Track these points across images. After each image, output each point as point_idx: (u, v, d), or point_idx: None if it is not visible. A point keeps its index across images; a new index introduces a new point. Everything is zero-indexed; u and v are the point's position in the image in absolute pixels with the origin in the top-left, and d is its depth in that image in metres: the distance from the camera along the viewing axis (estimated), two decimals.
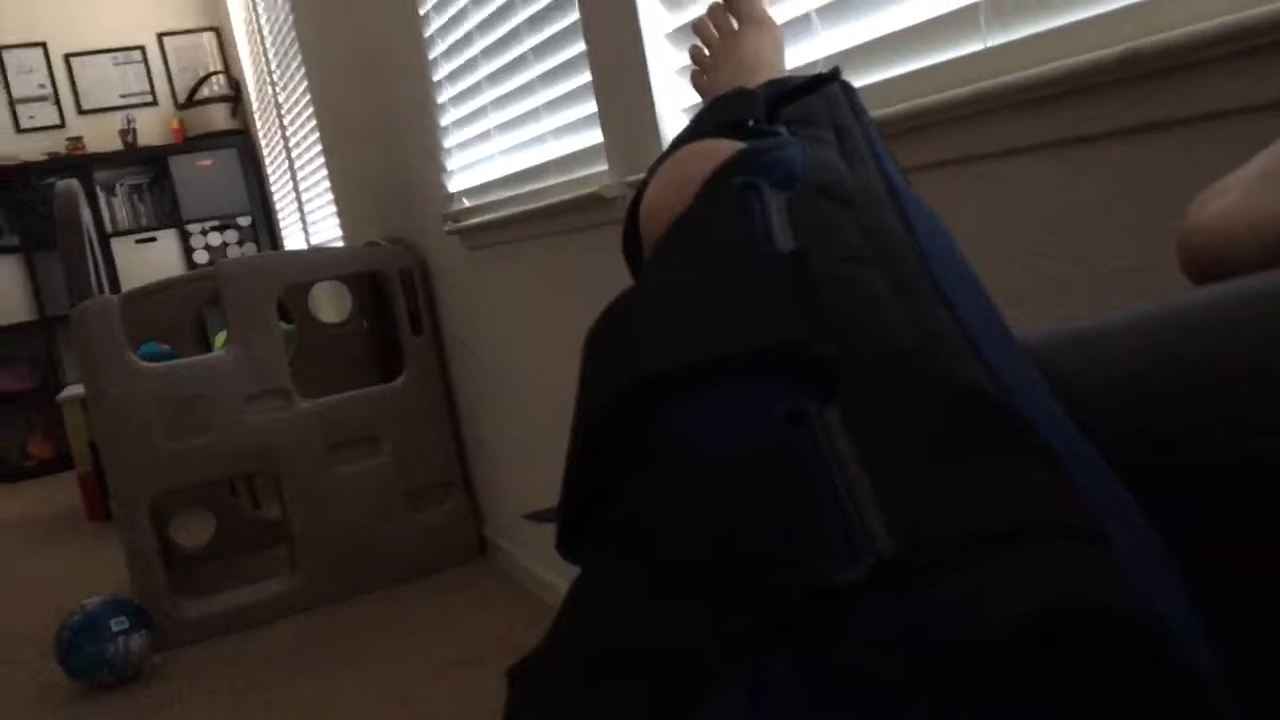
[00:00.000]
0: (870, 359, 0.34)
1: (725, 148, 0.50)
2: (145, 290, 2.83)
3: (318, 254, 3.01)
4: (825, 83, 0.61)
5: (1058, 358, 0.41)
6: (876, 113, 1.05)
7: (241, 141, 6.07)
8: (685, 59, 1.53)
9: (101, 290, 3.02)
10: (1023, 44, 0.90)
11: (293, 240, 5.66)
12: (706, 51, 0.95)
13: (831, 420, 0.31)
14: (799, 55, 1.24)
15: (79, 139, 5.95)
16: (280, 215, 5.91)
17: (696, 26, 0.96)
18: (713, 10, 0.96)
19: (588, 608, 0.33)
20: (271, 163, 5.81)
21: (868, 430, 0.30)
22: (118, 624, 2.30)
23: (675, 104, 1.54)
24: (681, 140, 0.62)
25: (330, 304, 4.09)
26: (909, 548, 0.26)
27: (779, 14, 1.21)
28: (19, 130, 5.95)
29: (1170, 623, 0.27)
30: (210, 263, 6.00)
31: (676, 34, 1.52)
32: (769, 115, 0.60)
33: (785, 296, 0.36)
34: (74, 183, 2.78)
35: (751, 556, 0.28)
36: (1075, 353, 0.41)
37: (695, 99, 1.50)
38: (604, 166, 1.72)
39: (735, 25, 0.93)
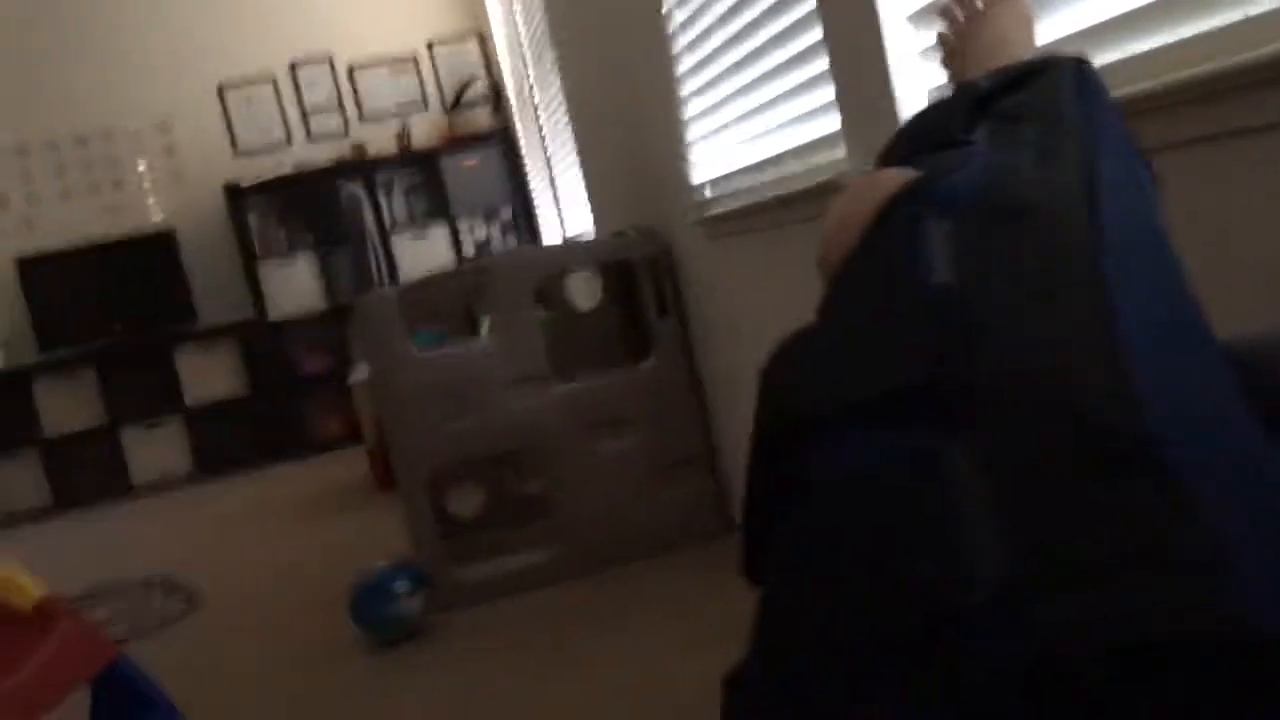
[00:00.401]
0: (1005, 384, 0.35)
1: (892, 180, 0.52)
2: (421, 283, 3.09)
3: (571, 247, 3.18)
4: (1048, 70, 0.61)
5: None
6: (1136, 88, 1.01)
7: (502, 139, 6.45)
8: (925, 41, 1.52)
9: (382, 282, 3.33)
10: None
11: (548, 229, 5.96)
12: (952, 35, 0.95)
13: (954, 456, 0.33)
14: (1055, 28, 1.20)
15: (361, 144, 6.51)
16: (538, 206, 6.24)
17: (943, 9, 0.97)
18: None
19: (775, 620, 0.36)
20: (529, 158, 6.13)
21: (992, 458, 0.32)
22: (401, 585, 2.54)
23: (917, 87, 1.54)
24: (887, 151, 0.64)
25: (583, 291, 4.29)
26: (1022, 572, 0.28)
27: None
28: (310, 139, 6.58)
29: None
30: (477, 254, 6.42)
31: (918, 15, 1.51)
32: (983, 108, 0.61)
33: (929, 332, 0.39)
34: (358, 189, 3.07)
35: (885, 583, 0.31)
36: None
37: (939, 80, 1.49)
38: (842, 153, 1.74)
39: (980, 5, 0.92)
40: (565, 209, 5.19)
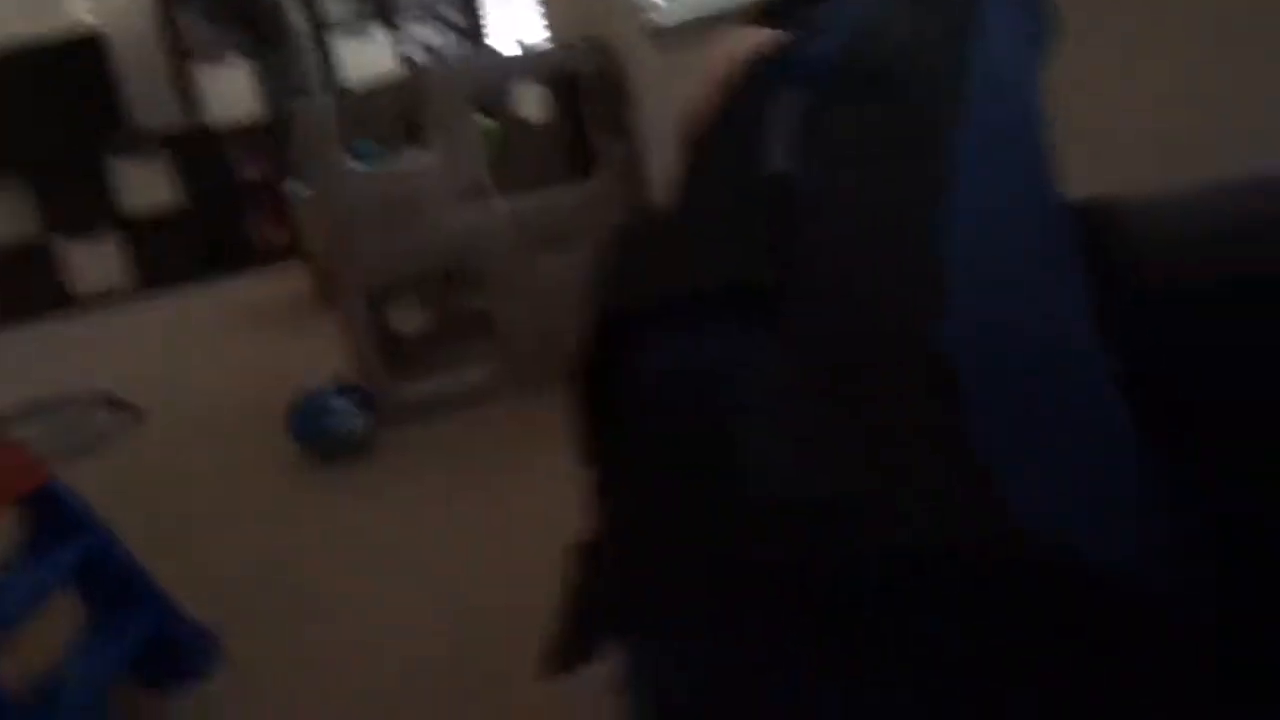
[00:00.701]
0: (816, 279, 0.35)
1: (752, 42, 0.48)
2: (358, 94, 2.95)
3: (514, 58, 3.03)
4: None
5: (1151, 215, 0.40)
6: None
7: None
8: None
9: (306, 91, 3.17)
10: None
11: (496, 34, 5.69)
12: None
13: (758, 355, 0.33)
14: None
15: None
16: (485, 9, 5.93)
17: None
18: None
19: (614, 516, 0.39)
20: None
21: (794, 357, 0.32)
22: (340, 403, 2.53)
23: None
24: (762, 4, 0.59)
25: (531, 103, 4.13)
26: (801, 478, 0.29)
27: None
28: None
29: (1088, 549, 0.28)
30: (421, 58, 6.14)
31: None
32: None
33: (757, 225, 0.38)
34: None
35: (684, 485, 0.32)
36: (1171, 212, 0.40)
37: None
38: None
39: None
40: (516, 13, 4.93)
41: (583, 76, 2.89)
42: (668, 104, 2.58)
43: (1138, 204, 0.41)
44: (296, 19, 2.77)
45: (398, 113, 3.08)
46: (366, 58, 6.06)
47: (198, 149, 6.05)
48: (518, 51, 4.45)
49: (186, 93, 5.99)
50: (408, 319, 3.41)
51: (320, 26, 6.00)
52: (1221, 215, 0.37)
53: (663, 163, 2.76)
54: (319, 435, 2.54)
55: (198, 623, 1.79)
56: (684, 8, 2.25)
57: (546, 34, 3.97)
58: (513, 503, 2.17)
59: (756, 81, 0.44)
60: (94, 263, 6.10)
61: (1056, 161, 0.42)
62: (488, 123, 3.49)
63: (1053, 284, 0.36)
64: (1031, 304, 0.35)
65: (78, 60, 5.94)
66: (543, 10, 3.96)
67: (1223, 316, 0.34)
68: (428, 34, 6.17)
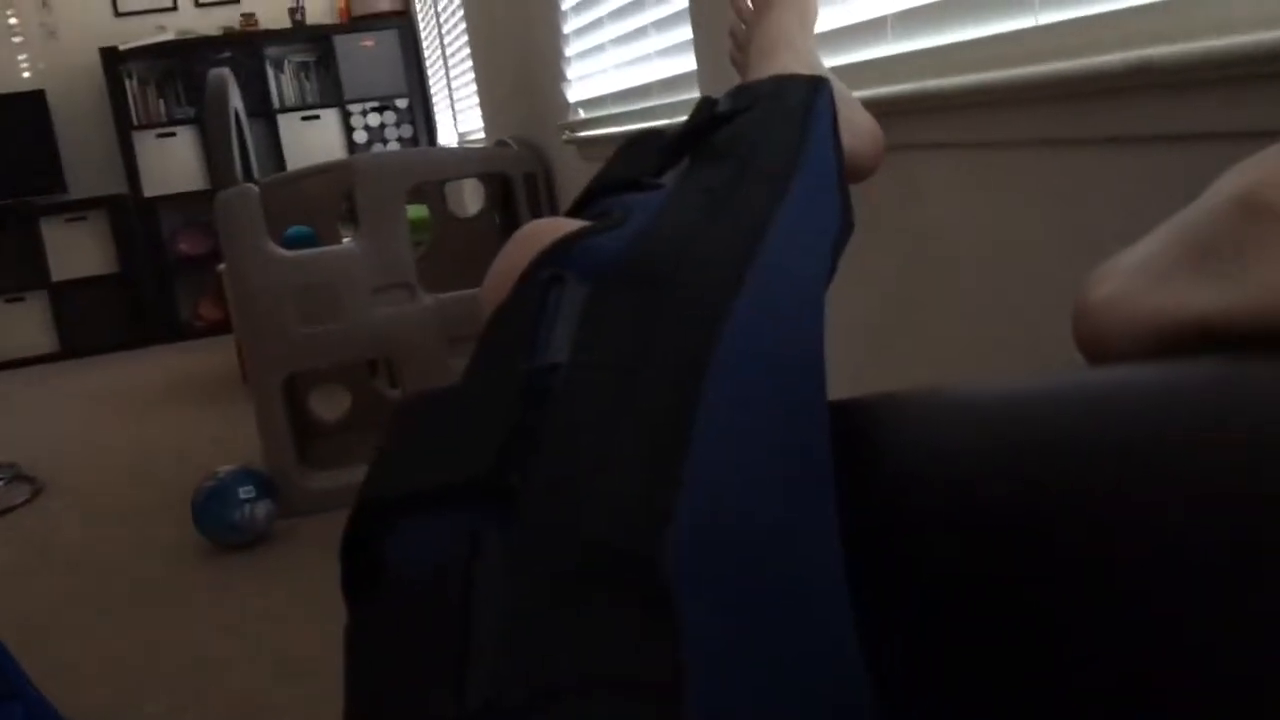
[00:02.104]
0: (551, 480, 0.34)
1: (549, 231, 0.48)
2: (285, 178, 2.98)
3: (447, 153, 3.09)
4: (780, 94, 0.59)
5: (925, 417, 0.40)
6: (922, 84, 1.01)
7: (402, 25, 6.19)
8: None
9: (250, 173, 3.20)
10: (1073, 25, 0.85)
11: (444, 124, 5.79)
12: (740, 30, 0.92)
13: (489, 555, 0.32)
14: (848, 15, 1.19)
15: (252, 15, 6.18)
16: (435, 100, 6.04)
17: (733, 3, 0.93)
18: None
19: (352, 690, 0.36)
20: (429, 48, 5.91)
21: (520, 561, 0.31)
22: (245, 492, 2.50)
23: None
24: (577, 200, 0.59)
25: (469, 195, 4.20)
26: (499, 694, 0.28)
27: None
28: (198, 4, 6.22)
29: None
30: (368, 143, 6.21)
31: None
32: (681, 151, 0.58)
33: (505, 423, 0.36)
34: (224, 71, 2.92)
35: (395, 687, 0.30)
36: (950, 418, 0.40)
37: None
38: (696, 94, 1.71)
39: (762, 2, 0.88)
40: (460, 105, 5.03)
41: (513, 177, 2.95)
42: None
43: (900, 404, 0.41)
44: (236, 96, 2.81)
45: (337, 197, 3.11)
46: (314, 139, 6.13)
47: (134, 218, 6.02)
48: (455, 146, 4.53)
49: (127, 161, 5.98)
50: (329, 406, 3.39)
51: (270, 105, 6.06)
52: (1010, 424, 0.37)
53: None
54: (218, 521, 2.51)
55: (66, 718, 1.73)
56: (600, 120, 2.32)
57: (485, 133, 4.06)
58: None
59: (546, 268, 0.43)
60: (16, 325, 5.99)
61: (822, 362, 0.42)
62: (418, 209, 3.54)
63: (799, 492, 0.35)
64: (772, 505, 0.35)
65: (16, 117, 5.91)
66: (481, 109, 4.05)
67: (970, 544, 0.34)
68: (377, 120, 6.25)
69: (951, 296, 1.10)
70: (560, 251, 0.44)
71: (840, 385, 0.50)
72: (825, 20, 1.14)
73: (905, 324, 1.22)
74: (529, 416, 0.36)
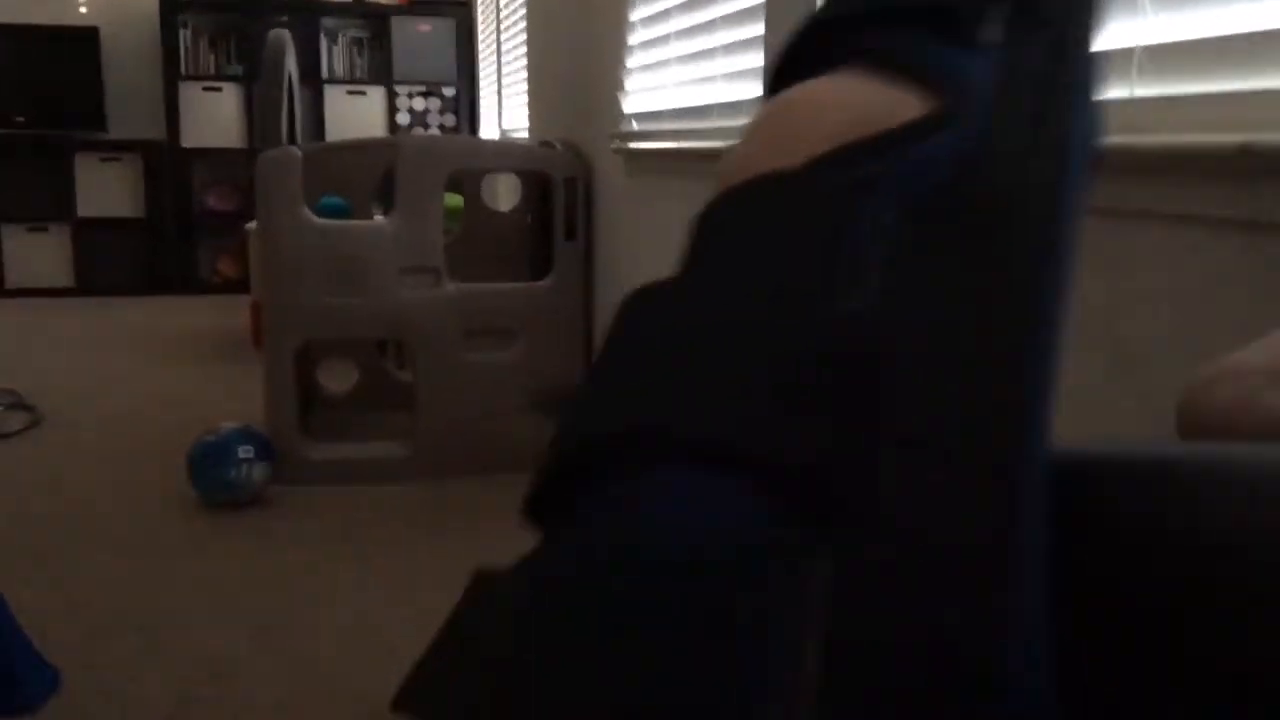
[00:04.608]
0: (883, 517, 0.27)
1: (859, 107, 0.35)
2: (327, 147, 2.98)
3: (492, 146, 3.09)
4: None
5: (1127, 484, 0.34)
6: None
7: (460, 14, 6.21)
8: None
9: (295, 138, 3.20)
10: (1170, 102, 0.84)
11: (488, 116, 5.80)
12: None
13: (813, 577, 0.26)
14: None
15: None
16: (482, 92, 6.06)
17: None
18: None
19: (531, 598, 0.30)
20: (484, 40, 5.93)
21: (844, 595, 0.26)
22: (244, 451, 2.49)
23: None
24: (816, 24, 0.41)
25: (504, 190, 4.20)
26: None
27: None
28: None
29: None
30: (410, 126, 6.23)
31: None
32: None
33: (827, 392, 0.29)
34: (284, 33, 2.92)
35: (651, 682, 0.25)
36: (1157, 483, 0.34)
37: None
38: None
39: None
40: (507, 101, 5.04)
41: (553, 178, 2.95)
42: (626, 223, 2.63)
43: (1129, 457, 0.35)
44: (292, 61, 2.82)
45: (374, 176, 3.11)
46: (358, 115, 6.14)
47: (167, 167, 6.03)
48: (499, 140, 4.54)
49: (169, 109, 5.99)
50: (336, 377, 3.38)
51: (320, 75, 6.08)
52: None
53: (614, 279, 2.81)
54: (213, 478, 2.49)
55: (38, 653, 1.71)
56: (654, 135, 2.32)
57: (529, 130, 4.06)
58: (394, 586, 2.13)
59: (846, 172, 0.33)
60: (38, 256, 5.99)
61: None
62: (454, 197, 3.54)
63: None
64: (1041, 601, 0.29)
65: (66, 52, 5.93)
66: (530, 107, 4.06)
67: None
68: (422, 105, 6.27)
69: None
70: (870, 151, 0.34)
71: None
72: None
73: None
74: (838, 381, 0.29)
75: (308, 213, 2.72)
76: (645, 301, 0.34)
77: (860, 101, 0.36)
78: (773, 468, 0.27)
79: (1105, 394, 0.87)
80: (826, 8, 0.42)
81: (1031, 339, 0.31)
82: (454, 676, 0.30)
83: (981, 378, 0.30)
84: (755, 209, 0.35)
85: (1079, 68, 0.38)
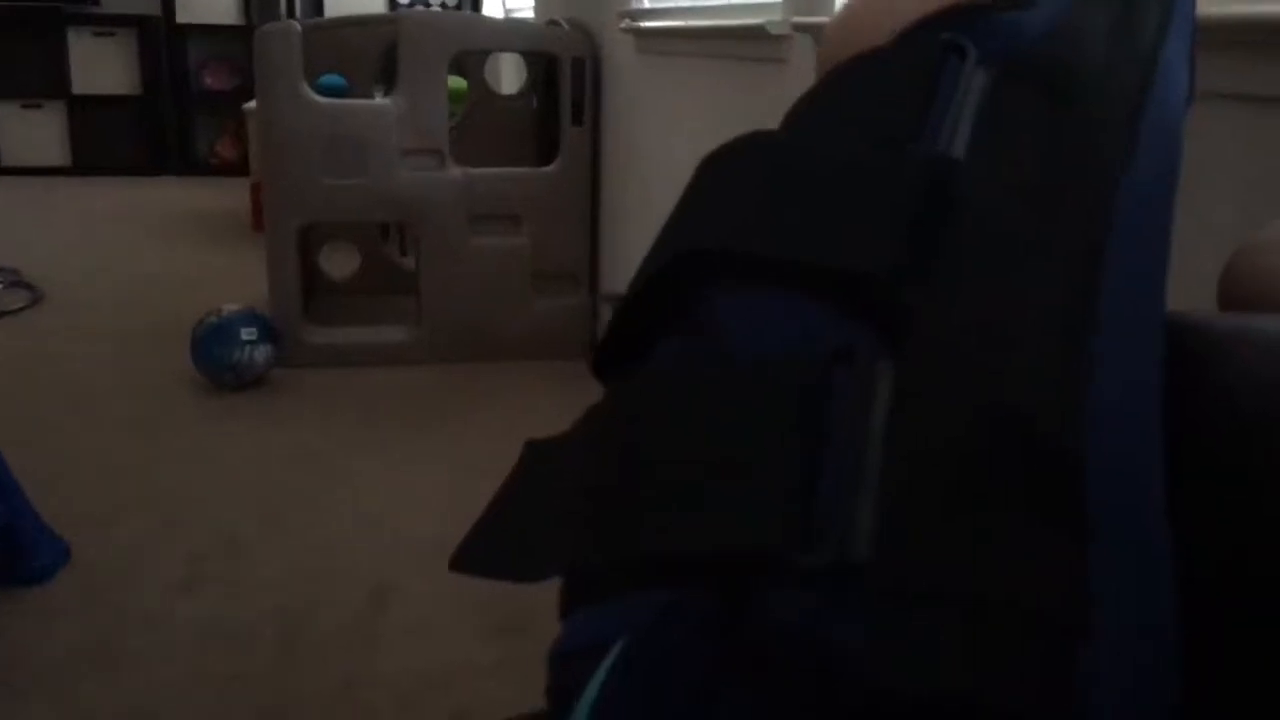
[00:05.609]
0: (956, 323, 0.29)
1: None
2: (327, 23, 2.89)
3: (498, 24, 3.00)
4: None
5: (1246, 353, 0.35)
6: None
7: None
8: None
9: (293, 13, 3.10)
10: None
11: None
12: None
13: (878, 379, 0.27)
14: None
15: None
16: None
17: None
18: None
19: (611, 429, 0.32)
20: None
21: (908, 406, 0.27)
22: (247, 333, 2.48)
23: None
24: None
25: (509, 73, 4.09)
26: (881, 565, 0.24)
27: None
28: None
29: None
30: (411, 3, 6.04)
31: None
32: None
33: (902, 219, 0.31)
34: None
35: (722, 488, 0.27)
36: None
37: None
38: (777, 14, 1.63)
39: None
40: None
41: (560, 59, 2.87)
42: (636, 105, 2.57)
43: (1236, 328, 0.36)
44: None
45: (375, 54, 3.02)
46: None
47: (162, 43, 5.88)
48: (504, 18, 4.41)
49: None
50: (338, 263, 3.35)
51: None
52: None
53: (623, 164, 2.75)
54: (216, 359, 2.48)
55: (48, 525, 1.73)
56: (665, 12, 2.24)
57: (535, 10, 3.93)
58: (395, 466, 2.14)
59: (941, 34, 0.36)
60: (33, 134, 5.88)
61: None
62: (457, 80, 3.45)
63: (1156, 421, 0.31)
64: (1145, 443, 0.30)
65: None
66: None
67: None
68: None
69: None
70: (968, 18, 0.37)
71: None
72: None
73: None
74: (926, 218, 0.31)
75: (308, 90, 2.65)
76: (724, 152, 0.36)
77: None
78: (844, 278, 0.30)
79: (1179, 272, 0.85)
80: None
81: (1104, 198, 0.33)
82: (515, 534, 0.31)
83: (1057, 213, 0.32)
84: (849, 76, 0.37)
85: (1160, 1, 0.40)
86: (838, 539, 0.24)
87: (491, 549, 0.32)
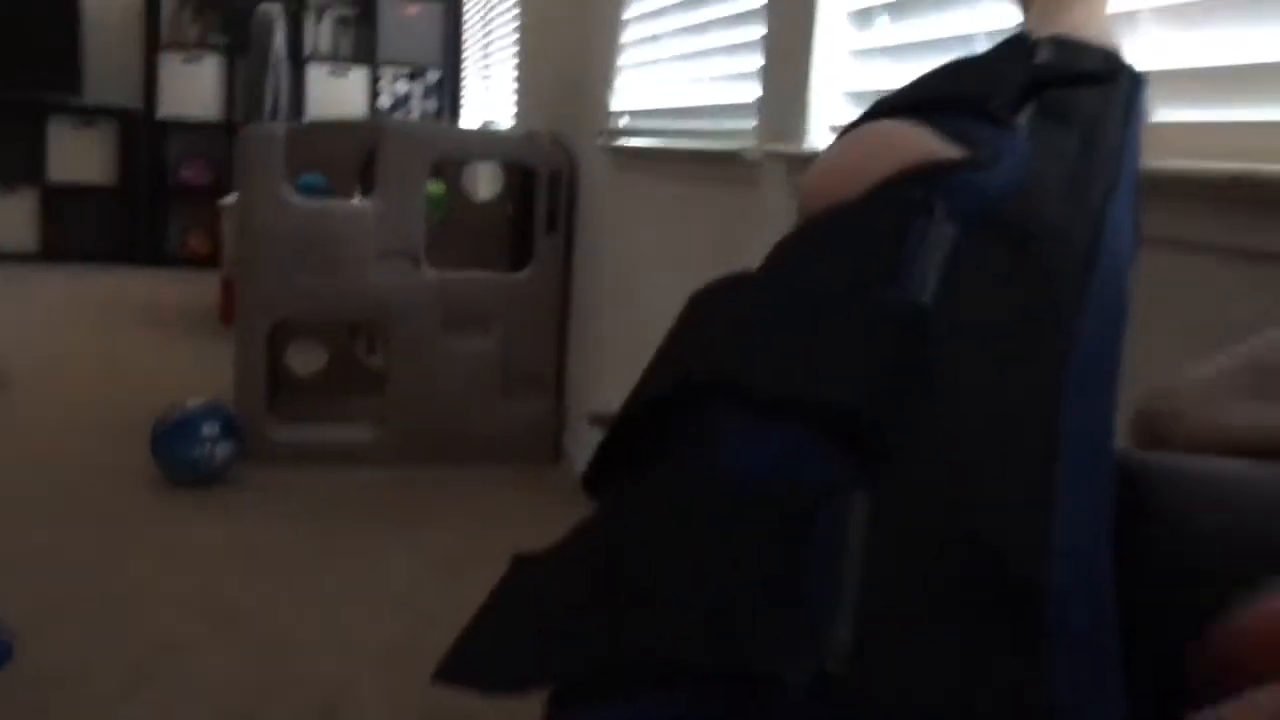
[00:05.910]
0: (924, 466, 0.32)
1: (919, 144, 0.43)
2: (310, 127, 2.95)
3: (479, 135, 3.08)
4: (1111, 74, 0.52)
5: (1181, 491, 0.39)
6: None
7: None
8: (860, 42, 1.48)
9: (276, 114, 3.17)
10: None
11: (470, 103, 5.77)
12: None
13: (855, 508, 0.30)
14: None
15: None
16: (465, 79, 6.02)
17: None
18: None
19: (600, 539, 0.33)
20: (468, 26, 5.90)
21: (882, 527, 0.30)
22: (209, 430, 2.46)
23: (837, 85, 1.51)
24: (884, 106, 0.50)
25: (484, 181, 4.18)
26: (857, 677, 0.26)
27: None
28: None
29: None
30: (391, 109, 6.18)
31: (858, 15, 1.48)
32: (1034, 84, 0.50)
33: (877, 358, 0.34)
34: (274, 7, 2.89)
35: (714, 604, 0.29)
36: (1203, 492, 0.38)
37: (862, 86, 1.47)
38: (752, 124, 1.70)
39: None
40: (492, 90, 5.01)
41: (538, 170, 2.94)
42: (609, 218, 2.63)
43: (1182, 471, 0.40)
44: (280, 37, 2.79)
45: (356, 157, 3.08)
46: (340, 95, 6.09)
47: (142, 136, 5.95)
48: (482, 129, 4.52)
49: (148, 78, 5.91)
50: (304, 360, 3.35)
51: (302, 52, 6.02)
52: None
53: (594, 273, 2.80)
54: (177, 456, 2.46)
55: None
56: (642, 133, 2.32)
57: (514, 121, 4.04)
58: (356, 569, 2.11)
59: (913, 192, 0.40)
60: (3, 219, 5.88)
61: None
62: (435, 185, 3.52)
63: (1107, 533, 0.34)
64: (1104, 547, 0.33)
65: (47, 12, 5.82)
66: (517, 98, 4.04)
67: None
68: (405, 88, 6.23)
69: None
70: (933, 177, 0.40)
71: None
72: None
73: None
74: (900, 357, 0.34)
75: (288, 192, 2.70)
76: (716, 288, 0.39)
77: (917, 137, 0.44)
78: (828, 413, 0.32)
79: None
80: (883, 100, 0.52)
81: (1062, 340, 0.36)
82: (502, 645, 0.33)
83: (1019, 355, 0.35)
84: (827, 224, 0.41)
85: (1109, 164, 0.45)
86: (816, 653, 0.26)
87: (476, 661, 0.33)
